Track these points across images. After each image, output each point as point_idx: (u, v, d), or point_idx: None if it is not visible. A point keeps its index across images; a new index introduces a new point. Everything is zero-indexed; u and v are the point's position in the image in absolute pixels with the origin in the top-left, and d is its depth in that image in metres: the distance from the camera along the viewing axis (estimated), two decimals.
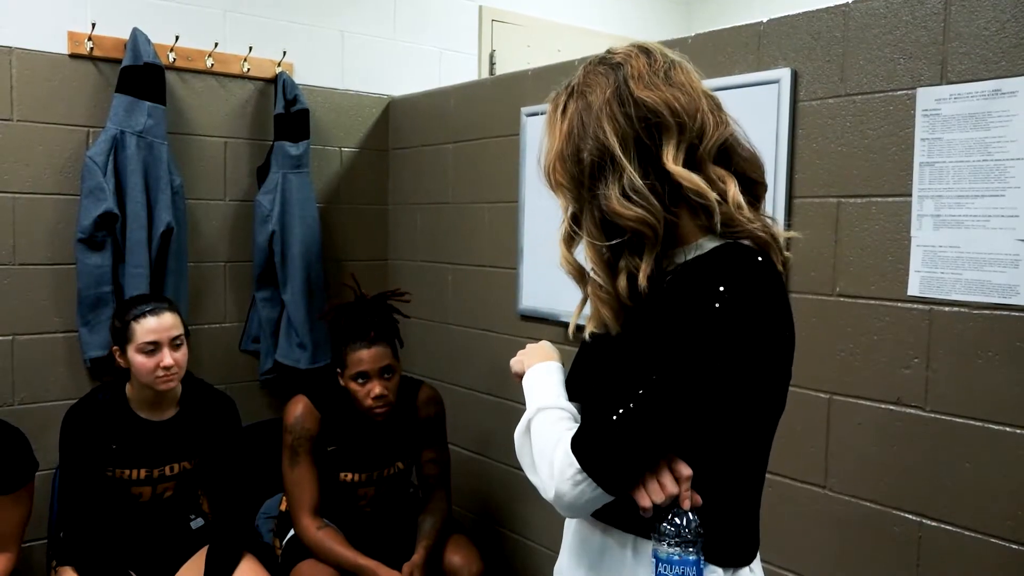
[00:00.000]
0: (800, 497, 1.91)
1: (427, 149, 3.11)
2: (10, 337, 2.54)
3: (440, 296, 3.02)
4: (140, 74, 2.58)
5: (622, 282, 1.08)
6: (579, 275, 1.14)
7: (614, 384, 1.08)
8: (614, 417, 1.02)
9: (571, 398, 1.17)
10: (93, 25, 2.59)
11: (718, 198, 1.06)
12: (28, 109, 2.53)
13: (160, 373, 2.16)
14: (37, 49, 2.54)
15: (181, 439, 2.29)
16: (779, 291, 1.07)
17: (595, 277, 1.09)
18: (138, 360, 2.16)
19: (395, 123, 3.28)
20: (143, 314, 2.18)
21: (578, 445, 1.04)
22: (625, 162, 1.04)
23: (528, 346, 1.31)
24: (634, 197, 1.04)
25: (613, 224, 1.06)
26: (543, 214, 2.58)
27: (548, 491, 1.06)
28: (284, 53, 2.97)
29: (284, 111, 2.90)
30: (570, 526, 1.24)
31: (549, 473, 1.05)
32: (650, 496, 1.03)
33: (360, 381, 2.37)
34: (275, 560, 2.48)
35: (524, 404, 1.18)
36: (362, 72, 3.21)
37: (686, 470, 1.05)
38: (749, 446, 1.13)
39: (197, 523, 2.40)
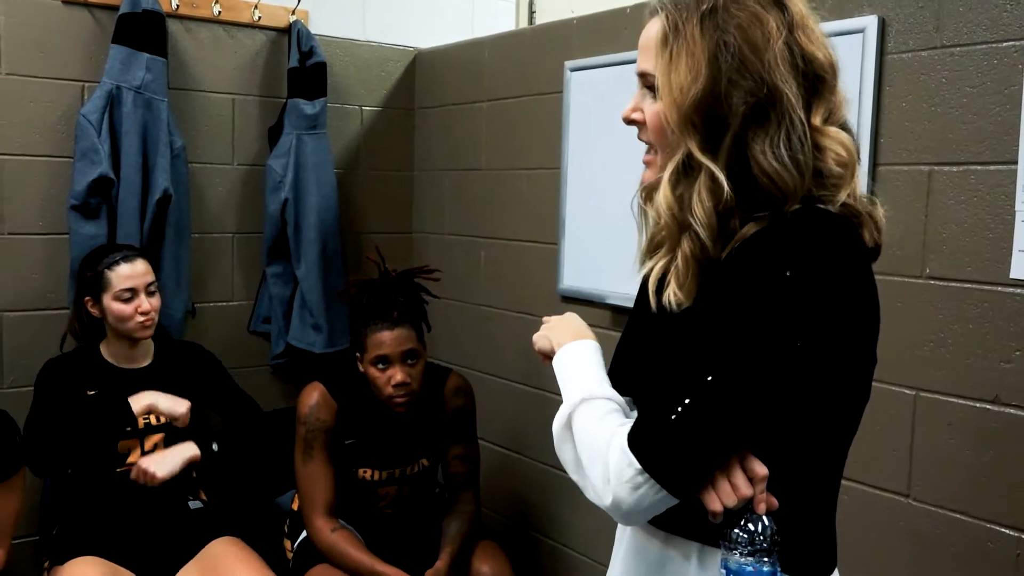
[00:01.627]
0: (880, 507, 1.90)
1: (458, 108, 3.12)
2: None
3: (471, 274, 3.02)
4: (139, 22, 2.61)
5: (717, 248, 1.06)
6: (678, 226, 1.08)
7: (675, 368, 1.06)
8: (679, 408, 1.00)
9: (620, 384, 1.15)
10: None
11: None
12: (18, 61, 2.57)
13: (139, 318, 2.35)
14: None
15: (162, 383, 2.42)
16: (865, 262, 1.07)
17: (703, 237, 1.05)
18: (115, 307, 2.34)
19: (422, 79, 3.28)
20: (116, 262, 2.37)
21: (638, 441, 1.02)
22: (800, 119, 1.03)
23: (552, 319, 1.30)
24: (788, 162, 1.02)
25: (751, 181, 1.03)
26: (588, 182, 2.57)
27: (603, 496, 1.04)
28: (299, 0, 2.97)
29: (299, 65, 2.92)
30: (624, 534, 1.23)
31: (603, 476, 1.03)
32: (721, 499, 1.02)
33: (380, 367, 2.38)
34: (285, 562, 2.51)
35: (561, 393, 1.17)
36: (386, 21, 3.22)
37: (762, 469, 1.03)
38: (831, 440, 1.12)
39: (195, 504, 2.48)
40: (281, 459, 2.64)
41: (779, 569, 1.04)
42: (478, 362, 3.01)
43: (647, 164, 1.16)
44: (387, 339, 2.37)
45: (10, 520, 2.22)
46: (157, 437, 2.40)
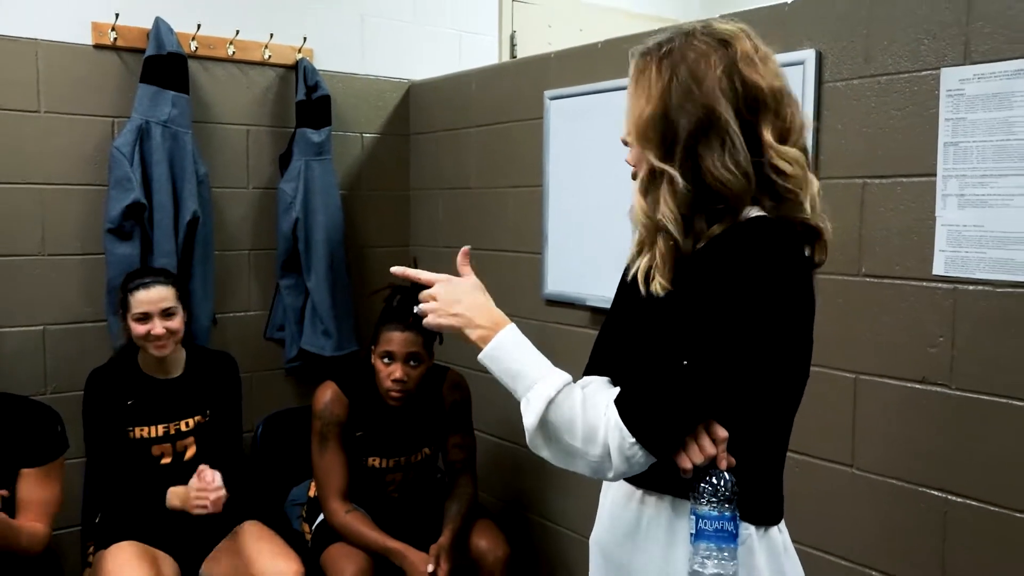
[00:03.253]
0: (828, 476, 2.00)
1: (448, 134, 3.20)
2: (41, 327, 2.68)
3: None
4: (164, 64, 2.70)
5: (688, 243, 1.18)
6: (653, 228, 1.19)
7: (656, 350, 1.17)
8: (662, 389, 1.13)
9: (603, 366, 1.26)
10: (116, 15, 2.70)
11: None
12: (55, 101, 2.66)
13: (151, 339, 2.39)
14: (62, 40, 2.66)
15: (192, 393, 2.51)
16: (799, 262, 1.20)
17: (673, 232, 1.17)
18: (133, 327, 2.41)
19: (416, 108, 3.36)
20: (137, 287, 2.42)
21: (632, 419, 1.13)
22: (736, 134, 1.15)
23: (437, 287, 1.29)
24: (734, 169, 1.15)
25: (706, 187, 1.16)
26: (568, 198, 2.67)
27: (603, 470, 1.15)
28: (304, 39, 3.07)
29: (305, 98, 3.00)
30: (607, 493, 1.36)
31: (603, 453, 1.14)
32: (690, 458, 1.16)
33: (385, 360, 2.49)
34: (304, 544, 2.60)
35: (508, 382, 1.22)
36: (382, 56, 3.31)
37: (723, 432, 1.17)
38: (778, 410, 1.25)
39: None
40: (296, 454, 2.74)
41: (738, 515, 1.17)
42: (472, 361, 3.05)
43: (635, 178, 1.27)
44: (397, 339, 2.47)
45: (52, 504, 2.29)
46: (188, 440, 2.48)
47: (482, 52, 3.55)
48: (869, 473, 1.94)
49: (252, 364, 3.01)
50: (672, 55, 1.19)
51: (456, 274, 1.35)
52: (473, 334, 1.25)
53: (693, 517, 1.17)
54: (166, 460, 2.46)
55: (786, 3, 2.06)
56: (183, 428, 2.48)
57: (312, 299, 3.06)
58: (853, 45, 1.93)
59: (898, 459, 1.88)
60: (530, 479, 2.93)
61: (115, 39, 2.72)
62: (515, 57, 3.59)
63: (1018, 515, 1.70)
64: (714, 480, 1.16)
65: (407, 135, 3.39)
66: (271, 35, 3.00)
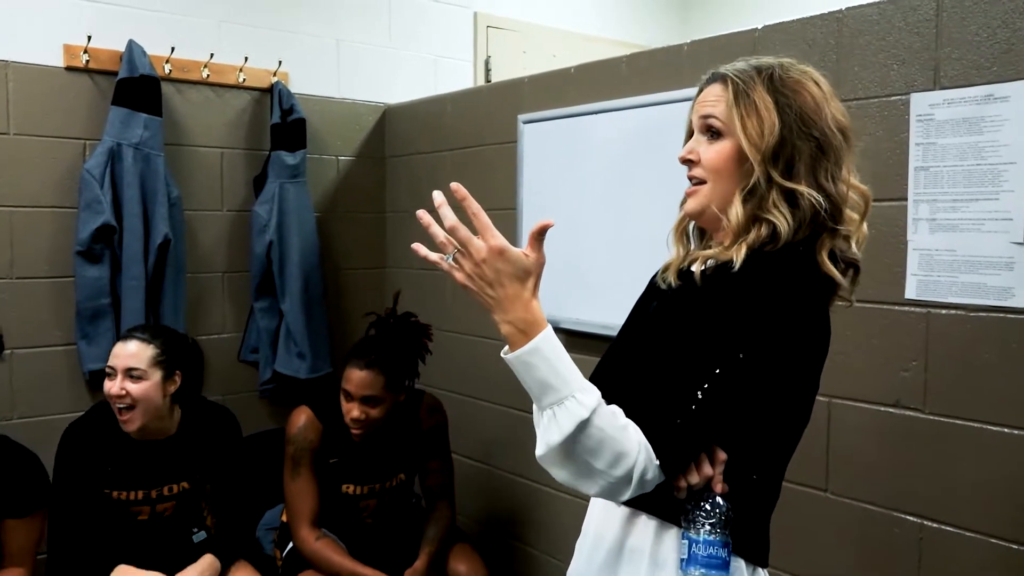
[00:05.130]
0: (802, 501, 1.95)
1: (424, 157, 3.16)
2: (9, 351, 2.57)
3: (439, 303, 3.05)
4: (136, 86, 2.63)
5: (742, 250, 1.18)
6: (743, 228, 1.19)
7: (683, 371, 1.11)
8: (682, 417, 1.08)
9: (615, 386, 1.18)
10: (89, 38, 2.64)
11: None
12: (25, 122, 2.58)
13: (113, 400, 2.15)
14: (33, 62, 2.59)
15: (180, 459, 2.31)
16: (826, 309, 1.20)
17: (780, 236, 1.15)
18: (104, 383, 2.19)
19: (391, 131, 3.33)
20: (120, 338, 2.24)
21: (661, 447, 1.07)
22: (841, 158, 1.19)
23: (493, 256, 1.11)
24: (844, 188, 1.18)
25: (829, 201, 1.17)
26: (541, 220, 2.62)
27: (620, 492, 1.08)
28: (280, 63, 3.02)
29: (280, 121, 2.95)
30: (592, 515, 1.29)
31: (626, 476, 1.06)
32: (687, 479, 1.11)
33: (345, 397, 2.41)
34: (275, 570, 2.51)
35: (529, 411, 1.11)
36: (358, 80, 3.27)
37: (722, 455, 1.13)
38: (780, 452, 1.22)
39: (199, 536, 2.40)
40: (269, 477, 2.65)
41: (730, 544, 1.11)
42: (448, 383, 3.02)
43: (689, 195, 1.25)
44: (354, 378, 2.37)
45: (33, 547, 2.21)
46: (168, 504, 2.31)
47: (457, 76, 3.52)
48: (843, 497, 1.89)
49: (226, 386, 2.94)
50: (774, 80, 1.19)
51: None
52: (502, 327, 1.12)
53: (685, 542, 1.12)
54: (143, 517, 2.30)
55: (756, 28, 2.03)
56: (165, 493, 2.31)
57: (286, 321, 2.99)
58: (823, 70, 1.86)
59: (872, 483, 1.84)
60: (508, 503, 2.87)
61: (87, 61, 2.65)
62: (490, 81, 3.57)
63: (993, 540, 1.65)
64: (708, 505, 1.11)
65: (383, 158, 3.35)
66: (246, 58, 2.94)
